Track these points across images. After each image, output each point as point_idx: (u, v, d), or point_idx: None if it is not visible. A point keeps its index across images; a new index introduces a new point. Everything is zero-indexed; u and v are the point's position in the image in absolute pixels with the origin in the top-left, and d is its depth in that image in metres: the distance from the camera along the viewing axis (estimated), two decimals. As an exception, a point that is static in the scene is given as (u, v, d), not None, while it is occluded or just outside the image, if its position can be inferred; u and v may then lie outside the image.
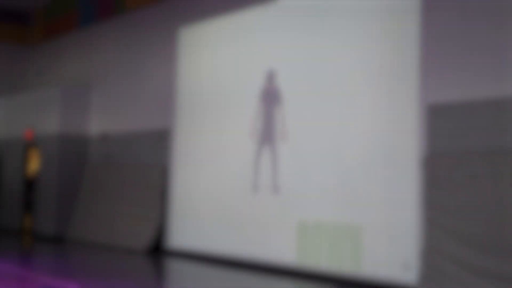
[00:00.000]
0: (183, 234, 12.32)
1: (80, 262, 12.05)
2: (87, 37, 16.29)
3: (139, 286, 9.17)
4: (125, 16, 14.90)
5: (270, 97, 10.76)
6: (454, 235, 7.82)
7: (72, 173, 15.20)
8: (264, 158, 10.78)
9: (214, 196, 11.71)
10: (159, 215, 12.84)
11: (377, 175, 8.95)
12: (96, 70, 15.80)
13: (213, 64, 12.07)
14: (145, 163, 13.58)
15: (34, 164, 16.51)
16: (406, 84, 8.70)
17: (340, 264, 9.31)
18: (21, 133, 16.79)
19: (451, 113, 8.15)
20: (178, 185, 12.60)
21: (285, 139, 10.39)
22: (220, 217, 11.51)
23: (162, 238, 12.78)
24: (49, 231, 15.11)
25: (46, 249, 13.67)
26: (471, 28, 8.06)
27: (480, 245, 7.55)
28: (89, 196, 14.85)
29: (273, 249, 10.39)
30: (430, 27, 8.50)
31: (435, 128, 8.30)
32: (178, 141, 12.68)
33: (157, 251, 12.71)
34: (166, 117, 13.08)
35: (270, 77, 10.81)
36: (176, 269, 11.26)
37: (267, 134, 10.76)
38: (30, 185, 16.46)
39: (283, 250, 10.20)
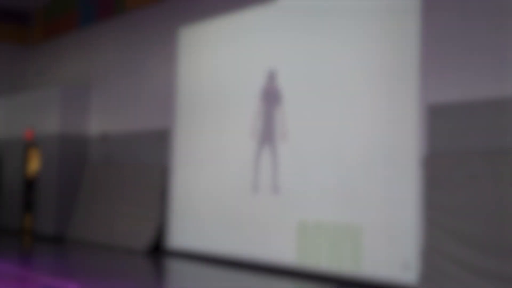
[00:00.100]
0: (183, 234, 12.32)
1: (80, 262, 12.05)
2: (87, 37, 16.29)
3: (139, 286, 9.17)
4: (125, 16, 14.90)
5: (270, 97, 10.76)
6: (454, 235, 7.82)
7: (72, 173, 15.21)
8: (264, 158, 10.78)
9: (214, 196, 11.71)
10: (159, 215, 12.84)
11: (377, 175, 8.95)
12: (96, 70, 15.80)
13: (213, 64, 12.07)
14: (145, 163, 13.58)
15: (34, 164, 16.51)
16: (406, 84, 8.70)
17: (340, 264, 9.31)
18: (21, 133, 16.79)
19: (451, 113, 8.15)
20: (178, 185, 12.60)
21: (285, 139, 10.39)
22: (220, 217, 11.51)
23: (162, 238, 12.78)
24: (49, 231, 15.11)
25: (46, 249, 13.67)
26: (471, 28, 8.06)
27: (480, 245, 7.55)
28: (89, 196, 14.85)
29: (273, 249, 10.38)
30: (430, 27, 8.50)
31: (435, 128, 8.30)
32: (178, 141, 12.68)
33: (157, 251, 12.71)
34: (166, 117, 13.08)
35: (271, 77, 10.81)
36: (176, 269, 11.26)
37: (267, 134, 10.76)
38: (30, 185, 16.45)
39: (283, 250, 10.20)
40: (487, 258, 7.43)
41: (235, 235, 11.15)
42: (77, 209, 15.00)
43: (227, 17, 11.85)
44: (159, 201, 12.90)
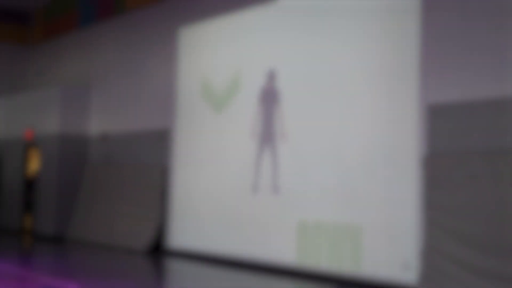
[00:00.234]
0: (183, 234, 12.33)
1: (80, 262, 12.05)
2: (87, 37, 16.29)
3: (139, 286, 9.17)
4: (125, 16, 14.90)
5: (270, 97, 10.76)
6: (454, 235, 7.82)
7: (72, 173, 15.21)
8: (264, 158, 10.78)
9: (214, 196, 11.71)
10: (159, 215, 12.84)
11: (377, 175, 8.95)
12: (96, 70, 15.80)
13: (213, 64, 12.06)
14: (145, 163, 13.58)
15: (34, 164, 16.51)
16: (406, 84, 8.70)
17: (340, 264, 9.31)
18: (21, 133, 16.79)
19: (451, 113, 8.15)
20: (178, 185, 12.60)
21: (285, 139, 10.39)
22: (220, 217, 11.51)
23: (162, 238, 12.78)
24: (49, 231, 15.11)
25: (46, 249, 13.67)
26: (471, 28, 8.06)
27: (480, 245, 7.55)
28: (89, 196, 14.85)
29: (273, 249, 10.38)
30: (430, 27, 8.50)
31: (435, 128, 8.30)
32: (178, 141, 12.68)
33: (157, 251, 12.71)
34: (166, 117, 13.08)
35: (269, 77, 10.81)
36: (176, 269, 11.26)
37: (267, 134, 10.76)
38: (30, 185, 16.45)
39: (283, 250, 10.20)
40: (487, 258, 7.43)
41: (235, 235, 11.15)
42: (77, 209, 15.00)
43: (227, 17, 11.85)
44: (159, 201, 12.90)
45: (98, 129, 15.30)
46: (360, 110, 9.26)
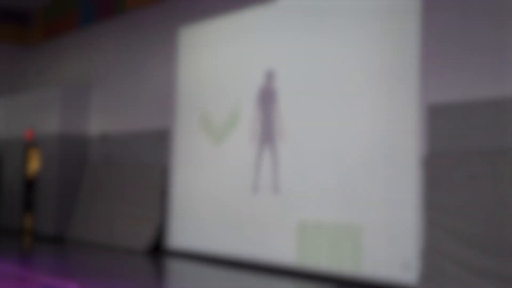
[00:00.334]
0: (183, 234, 12.32)
1: (80, 262, 12.05)
2: (87, 37, 16.29)
3: (139, 286, 9.17)
4: (125, 16, 14.90)
5: (268, 97, 10.76)
6: (454, 235, 7.82)
7: (72, 173, 15.20)
8: (264, 158, 10.77)
9: (214, 196, 11.71)
10: (159, 215, 12.84)
11: (377, 175, 8.95)
12: (96, 70, 15.80)
13: (213, 64, 12.06)
14: (145, 163, 13.58)
15: (34, 164, 16.51)
16: (406, 84, 8.69)
17: (340, 264, 9.31)
18: (21, 133, 16.79)
19: (451, 113, 8.15)
20: (178, 185, 12.60)
21: (284, 139, 10.38)
22: (220, 217, 11.50)
23: (162, 238, 12.78)
24: (49, 231, 15.11)
25: (46, 249, 13.67)
26: (471, 28, 8.06)
27: (480, 245, 7.55)
28: (89, 196, 14.85)
29: (273, 249, 10.38)
30: (430, 27, 8.50)
31: (435, 128, 8.30)
32: (178, 141, 12.68)
33: (157, 251, 12.71)
34: (166, 117, 13.08)
35: (268, 77, 10.80)
36: (176, 269, 11.26)
37: (267, 134, 10.76)
38: (30, 185, 16.45)
39: (283, 250, 10.19)
40: (487, 258, 7.43)
41: (235, 235, 11.15)
42: (77, 209, 15.00)
43: (227, 17, 11.85)
44: (159, 201, 12.90)
45: (98, 129, 15.30)
46: (360, 110, 9.26)
